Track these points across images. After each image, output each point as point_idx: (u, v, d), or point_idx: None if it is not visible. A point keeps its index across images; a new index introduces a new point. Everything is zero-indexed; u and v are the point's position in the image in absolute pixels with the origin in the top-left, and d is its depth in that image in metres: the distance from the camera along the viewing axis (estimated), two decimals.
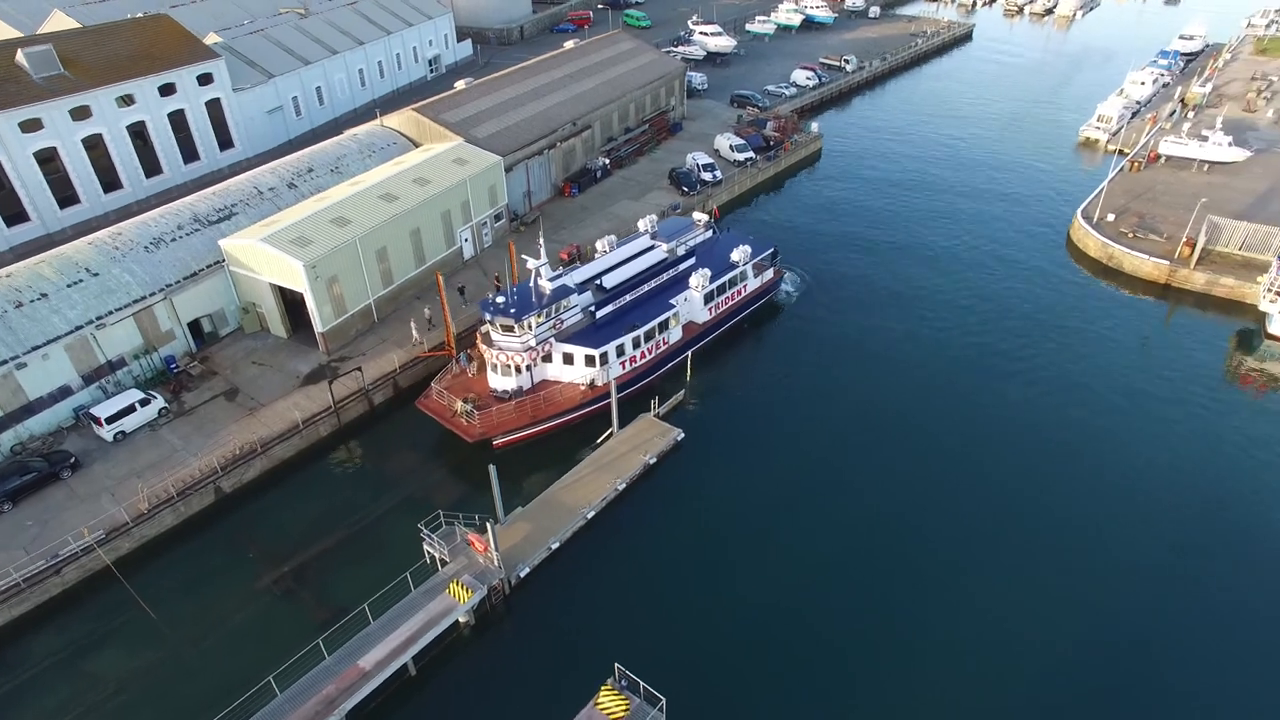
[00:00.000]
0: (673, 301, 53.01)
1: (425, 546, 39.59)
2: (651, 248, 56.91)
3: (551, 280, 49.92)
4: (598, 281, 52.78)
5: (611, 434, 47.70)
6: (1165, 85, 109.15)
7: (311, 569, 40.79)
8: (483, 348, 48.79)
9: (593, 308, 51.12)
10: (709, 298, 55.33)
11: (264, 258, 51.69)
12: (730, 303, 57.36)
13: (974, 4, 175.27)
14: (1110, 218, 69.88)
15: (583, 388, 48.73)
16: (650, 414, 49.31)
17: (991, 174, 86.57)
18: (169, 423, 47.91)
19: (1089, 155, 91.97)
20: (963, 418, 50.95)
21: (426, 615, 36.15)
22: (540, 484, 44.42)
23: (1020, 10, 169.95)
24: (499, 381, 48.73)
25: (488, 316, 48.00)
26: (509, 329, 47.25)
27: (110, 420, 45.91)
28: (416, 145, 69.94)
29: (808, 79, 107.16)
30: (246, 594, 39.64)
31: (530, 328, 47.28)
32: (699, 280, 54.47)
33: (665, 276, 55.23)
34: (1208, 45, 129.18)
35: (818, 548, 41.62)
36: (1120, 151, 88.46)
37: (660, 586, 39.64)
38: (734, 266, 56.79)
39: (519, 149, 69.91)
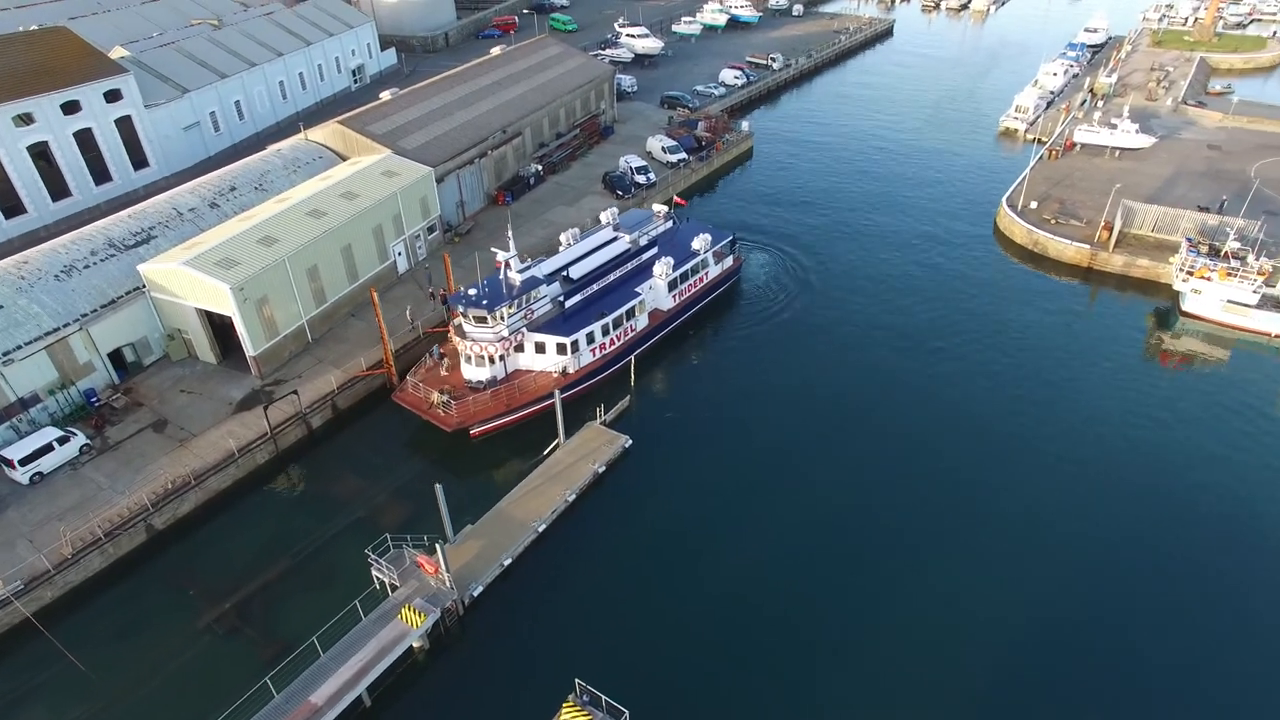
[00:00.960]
0: (638, 290, 54.51)
1: (374, 572, 38.51)
2: (615, 239, 58.22)
3: (520, 272, 50.64)
4: (565, 273, 53.96)
5: (558, 444, 47.23)
6: (1075, 76, 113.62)
7: (256, 604, 39.28)
8: (456, 340, 49.44)
9: (561, 298, 52.37)
10: (673, 285, 57.15)
11: (188, 282, 49.63)
12: (693, 290, 59.21)
13: (893, 1, 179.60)
14: (1033, 205, 72.34)
15: (555, 375, 49.81)
16: (596, 422, 48.99)
17: (919, 165, 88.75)
18: (92, 460, 45.57)
19: (1009, 144, 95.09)
20: (907, 404, 52.09)
21: (379, 644, 35.14)
22: (489, 499, 43.66)
23: (937, 6, 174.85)
24: (473, 372, 49.59)
25: (460, 309, 48.85)
26: (482, 320, 48.26)
27: (24, 462, 43.35)
28: (344, 159, 68.19)
29: (736, 78, 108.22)
30: (187, 635, 37.91)
31: (502, 318, 48.38)
32: (662, 268, 56.17)
33: (629, 266, 56.73)
34: (1110, 38, 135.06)
35: (773, 543, 41.92)
36: (1038, 141, 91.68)
37: (617, 596, 39.36)
38: (695, 255, 58.76)
39: (450, 159, 68.77)
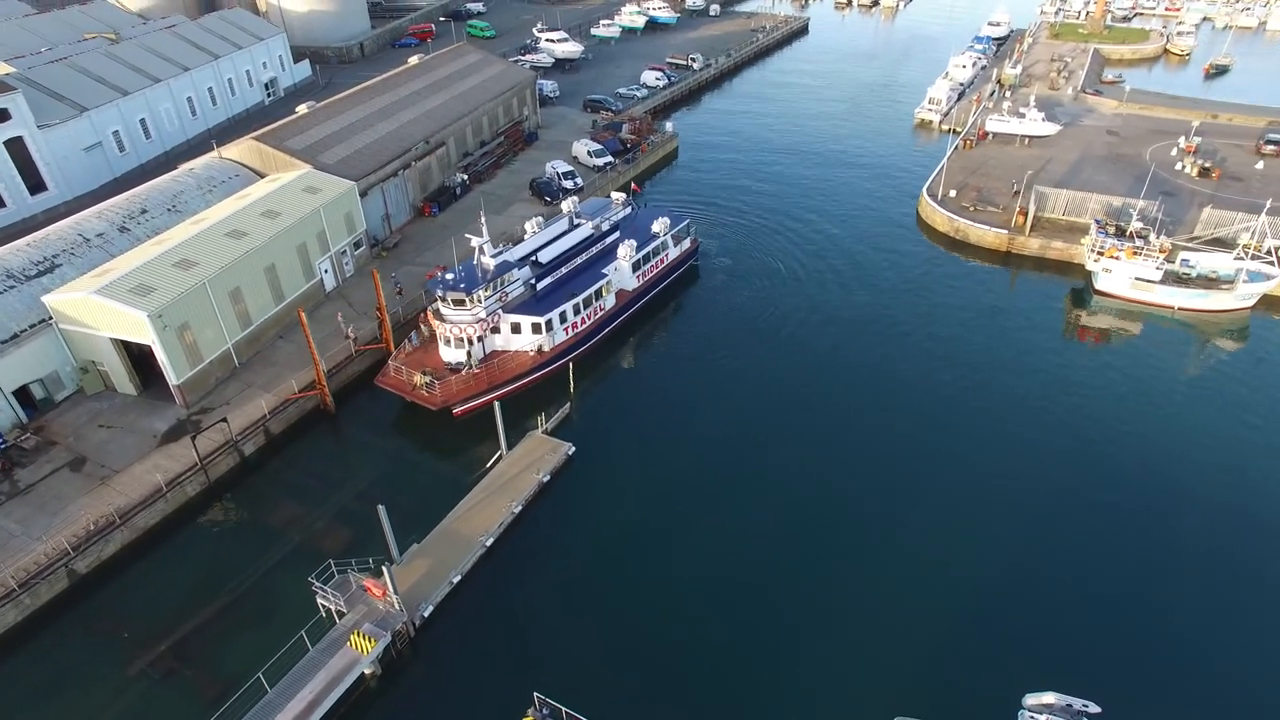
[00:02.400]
0: (604, 271, 57.46)
1: (319, 600, 37.33)
2: (578, 225, 60.55)
3: (493, 258, 52.80)
4: (534, 258, 56.00)
5: (500, 456, 46.63)
6: (983, 68, 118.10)
7: (194, 643, 37.58)
8: (435, 323, 51.89)
9: (532, 281, 54.70)
10: (636, 266, 60.26)
11: (100, 311, 47.20)
12: (655, 270, 62.64)
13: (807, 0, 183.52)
14: (952, 194, 74.81)
15: (532, 353, 52.28)
16: (538, 431, 48.55)
17: (841, 159, 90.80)
18: (1, 506, 42.90)
19: (925, 135, 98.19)
20: (845, 390, 53.38)
21: (328, 674, 34.09)
22: (434, 516, 42.77)
23: (849, 3, 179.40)
24: (452, 354, 51.62)
25: (439, 293, 51.09)
26: (460, 303, 50.55)
27: None
28: (261, 176, 65.94)
29: (657, 79, 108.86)
30: (119, 683, 35.95)
31: (479, 301, 50.70)
32: (626, 250, 59.25)
33: (594, 250, 59.37)
34: (1012, 31, 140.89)
35: (725, 537, 42.23)
36: (953, 131, 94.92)
37: (571, 605, 39.05)
38: (655, 237, 62.07)
39: (372, 172, 67.21)
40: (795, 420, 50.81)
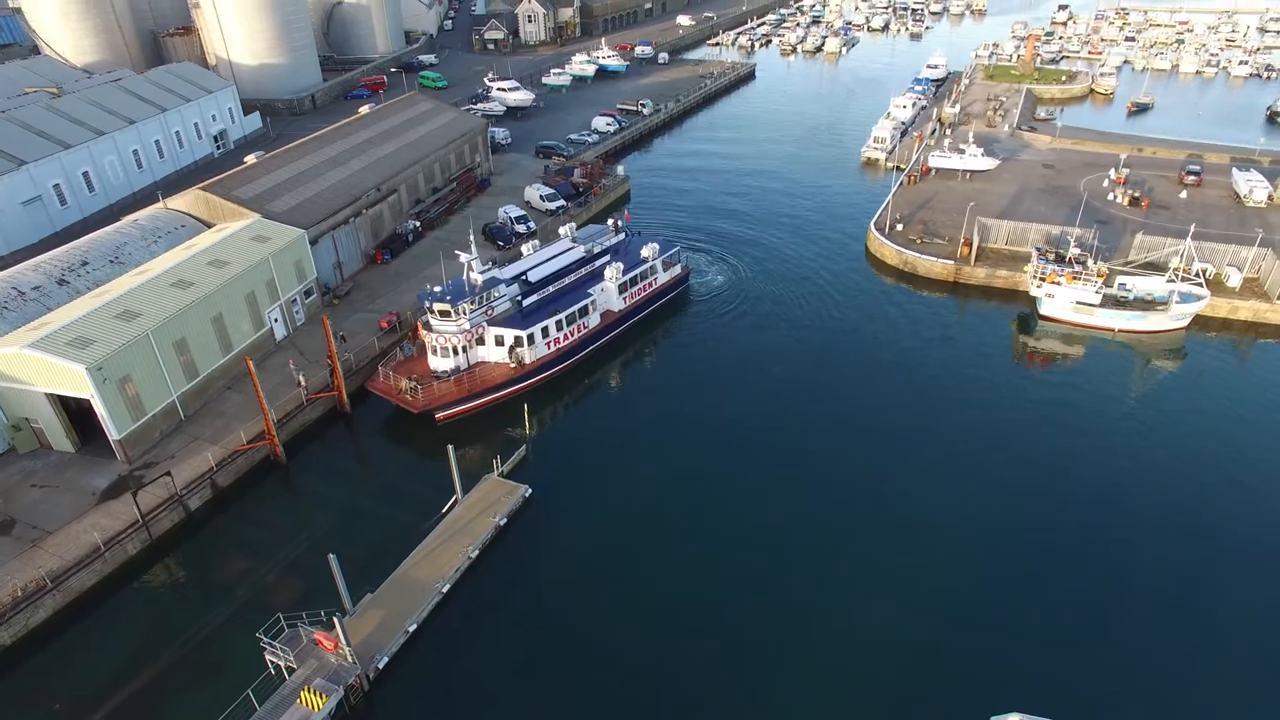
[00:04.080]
0: (590, 291, 59.79)
1: (268, 656, 35.86)
2: (571, 248, 63.51)
3: (481, 274, 55.60)
4: (523, 276, 58.90)
5: (456, 500, 45.73)
6: (923, 108, 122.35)
7: (133, 708, 35.71)
8: (423, 333, 54.73)
9: (519, 298, 57.46)
10: (623, 288, 62.46)
11: (34, 366, 45.62)
12: (643, 294, 64.82)
13: (752, 46, 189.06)
14: (899, 228, 76.67)
15: (512, 365, 54.88)
16: (494, 474, 47.82)
17: (791, 197, 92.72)
18: None
19: (872, 173, 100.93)
20: (800, 419, 53.71)
21: None
22: (388, 564, 41.61)
23: (794, 49, 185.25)
24: (438, 363, 54.58)
25: (427, 304, 54.10)
26: (446, 314, 53.44)
27: None
28: (209, 226, 65.04)
29: (608, 125, 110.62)
30: None
31: (465, 313, 53.51)
32: (613, 272, 61.76)
33: (583, 271, 62.01)
34: (950, 73, 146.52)
35: (685, 577, 41.68)
36: (897, 168, 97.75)
37: (530, 651, 38.05)
38: (644, 261, 64.28)
39: (323, 219, 66.74)
40: (752, 454, 50.82)
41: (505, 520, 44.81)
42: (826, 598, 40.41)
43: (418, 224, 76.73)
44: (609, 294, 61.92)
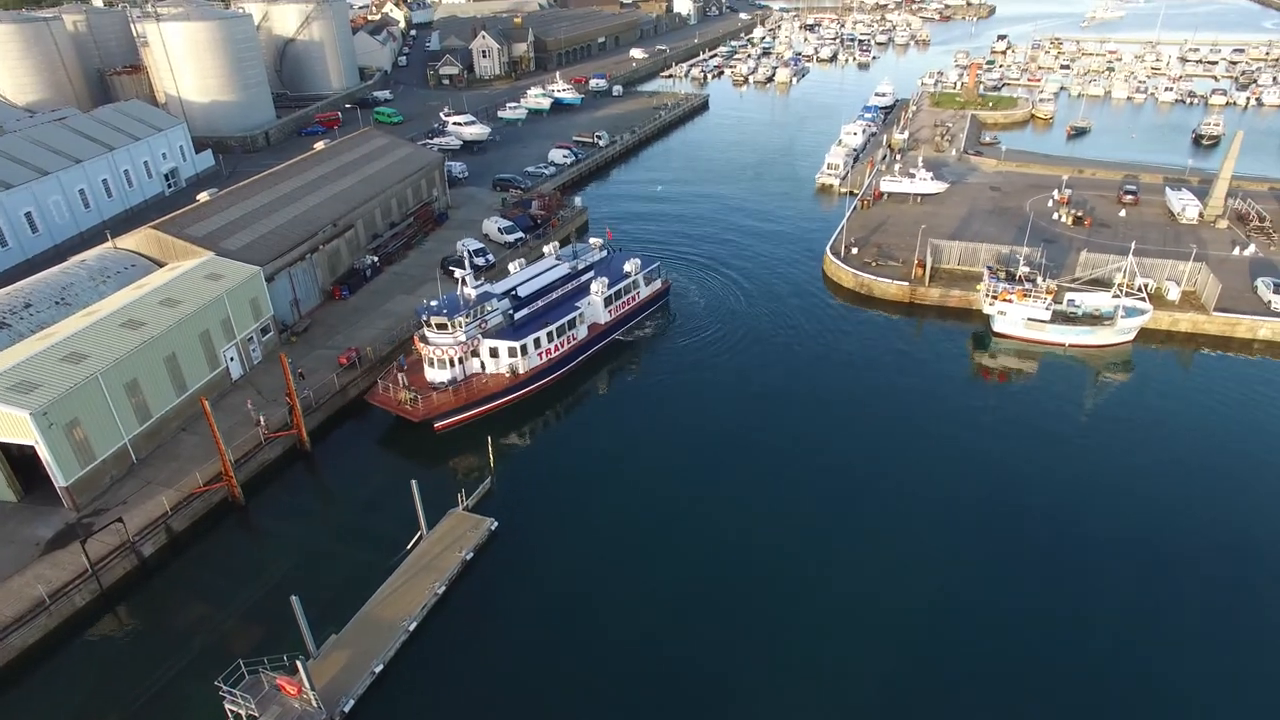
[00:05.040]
0: (577, 304, 62.64)
1: (228, 705, 34.62)
2: (556, 265, 66.54)
3: (475, 289, 57.87)
4: (513, 291, 61.49)
5: (421, 536, 44.94)
6: (873, 134, 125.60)
7: None
8: (420, 346, 56.64)
9: (511, 312, 59.92)
10: (608, 301, 65.46)
11: None
12: (627, 306, 67.83)
13: (705, 77, 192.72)
14: (854, 251, 78.17)
15: (507, 375, 57.11)
16: (459, 508, 47.13)
17: (748, 224, 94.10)
18: None
19: (826, 198, 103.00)
20: (762, 441, 54.07)
21: None
22: (352, 604, 40.59)
23: (746, 80, 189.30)
24: (435, 374, 56.64)
25: (424, 317, 56.12)
26: (443, 327, 55.41)
27: None
28: (160, 265, 63.76)
29: (565, 157, 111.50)
30: None
31: (460, 325, 55.60)
32: (599, 286, 64.73)
33: (570, 286, 64.89)
34: (897, 100, 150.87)
35: (654, 606, 41.36)
36: (850, 193, 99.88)
37: (501, 687, 37.33)
38: (627, 276, 67.44)
39: (278, 256, 65.82)
40: (717, 477, 50.93)
41: (471, 554, 44.13)
42: (798, 621, 40.41)
43: (376, 259, 76.10)
44: (595, 307, 64.66)
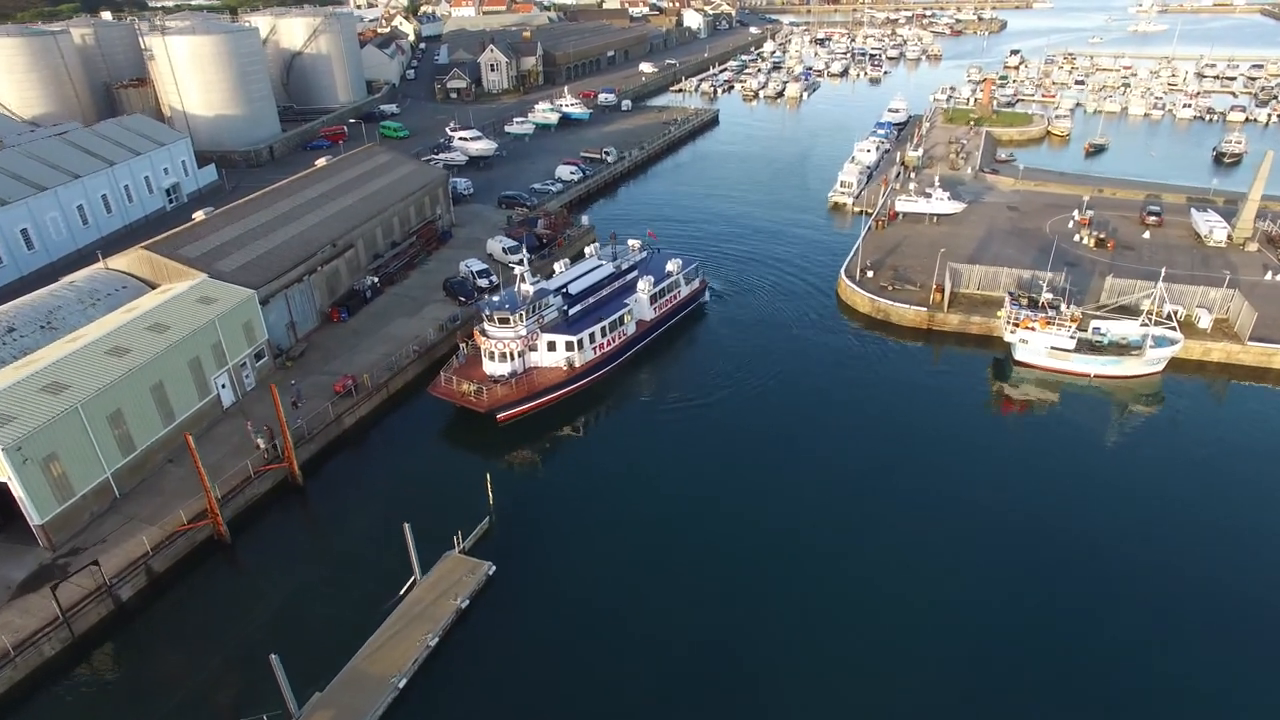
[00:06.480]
0: (626, 301, 65.01)
1: None
2: (601, 264, 69.00)
3: (532, 285, 60.49)
4: (565, 290, 63.95)
5: (415, 581, 42.44)
6: (886, 151, 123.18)
7: None
8: (480, 339, 58.86)
9: (565, 308, 62.43)
10: (653, 299, 67.61)
11: None
12: (670, 304, 69.93)
13: (715, 92, 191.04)
14: (870, 274, 75.60)
15: (565, 368, 59.16)
16: (455, 551, 44.61)
17: (758, 243, 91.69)
18: None
19: (840, 217, 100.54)
20: (777, 473, 51.77)
21: None
22: (339, 657, 38.10)
23: (756, 95, 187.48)
24: (495, 367, 58.55)
25: (486, 312, 58.55)
26: (505, 321, 57.88)
27: None
28: (153, 287, 61.73)
29: (572, 174, 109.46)
30: None
31: (521, 320, 57.99)
32: (645, 285, 67.12)
33: (616, 284, 67.34)
34: (910, 116, 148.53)
35: (660, 654, 38.68)
36: (864, 212, 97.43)
37: None
38: (670, 275, 69.83)
39: (275, 278, 63.75)
40: (729, 514, 48.32)
41: (467, 602, 41.59)
42: (804, 669, 37.70)
43: (376, 280, 73.91)
44: (642, 304, 66.81)
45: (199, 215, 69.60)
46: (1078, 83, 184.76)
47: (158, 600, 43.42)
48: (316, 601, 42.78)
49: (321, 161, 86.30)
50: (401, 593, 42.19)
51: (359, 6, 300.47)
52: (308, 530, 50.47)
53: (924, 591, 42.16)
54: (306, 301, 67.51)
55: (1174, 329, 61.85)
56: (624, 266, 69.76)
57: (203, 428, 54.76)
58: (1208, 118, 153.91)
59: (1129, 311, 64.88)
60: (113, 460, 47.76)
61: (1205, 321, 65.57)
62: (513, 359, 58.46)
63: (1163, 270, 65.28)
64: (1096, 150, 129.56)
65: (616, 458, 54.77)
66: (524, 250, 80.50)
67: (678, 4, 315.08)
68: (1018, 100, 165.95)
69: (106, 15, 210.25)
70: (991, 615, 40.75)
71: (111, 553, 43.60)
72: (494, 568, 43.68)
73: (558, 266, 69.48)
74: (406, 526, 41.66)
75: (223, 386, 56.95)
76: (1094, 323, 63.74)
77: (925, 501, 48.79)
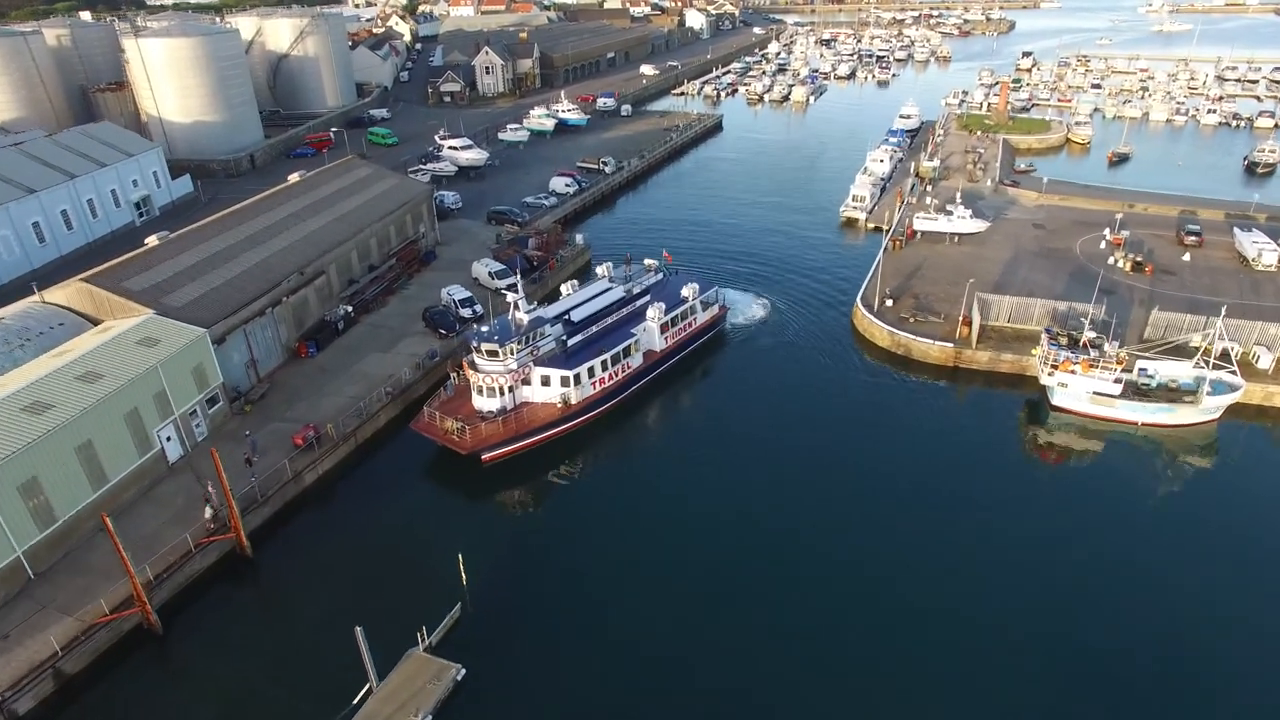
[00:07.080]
0: (633, 331, 59.35)
1: None
2: (610, 288, 63.02)
3: (527, 314, 55.20)
4: (566, 316, 58.31)
5: (370, 690, 36.18)
6: (900, 161, 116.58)
7: None
8: (469, 372, 54.12)
9: (564, 338, 56.86)
10: (664, 328, 61.57)
11: None
12: (684, 333, 63.91)
13: (718, 96, 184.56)
14: (889, 303, 69.04)
15: (559, 405, 53.94)
16: (419, 649, 38.27)
17: (766, 263, 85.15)
18: None
19: (852, 234, 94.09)
20: (789, 525, 46.47)
21: None
22: None
23: (761, 99, 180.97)
24: (484, 403, 53.78)
25: (474, 343, 53.36)
26: (493, 354, 52.64)
27: None
28: (95, 323, 55.44)
29: (567, 186, 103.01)
30: None
31: (512, 353, 52.79)
32: (655, 313, 61.05)
33: (624, 311, 61.57)
34: (923, 122, 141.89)
35: None
36: (879, 229, 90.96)
37: None
38: (684, 301, 63.60)
39: (233, 313, 57.38)
40: (733, 592, 42.07)
41: (432, 716, 35.33)
42: None
43: (350, 309, 67.48)
44: (651, 334, 61.06)
45: (152, 240, 63.23)
46: (1094, 86, 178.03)
47: (67, 708, 37.13)
48: (257, 707, 36.47)
49: (294, 177, 79.89)
50: (354, 703, 35.91)
51: (356, 6, 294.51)
52: (256, 613, 43.95)
53: (937, 668, 36.10)
54: (270, 336, 61.15)
55: (1234, 372, 55.45)
56: (635, 291, 63.71)
57: (143, 487, 48.66)
58: (1234, 124, 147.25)
59: (1179, 350, 58.48)
60: (25, 536, 41.52)
61: (1265, 361, 59.06)
62: (502, 394, 53.47)
63: (1224, 306, 58.63)
64: (1120, 159, 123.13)
65: (609, 520, 48.36)
66: (517, 275, 74.37)
67: (680, 4, 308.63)
68: (1032, 105, 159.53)
69: (85, 15, 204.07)
70: (1015, 690, 34.73)
71: (14, 653, 37.42)
72: (463, 671, 37.34)
73: (565, 288, 63.88)
74: (358, 631, 35.22)
75: (167, 440, 50.69)
76: (1139, 363, 57.32)
77: (949, 562, 43.68)
